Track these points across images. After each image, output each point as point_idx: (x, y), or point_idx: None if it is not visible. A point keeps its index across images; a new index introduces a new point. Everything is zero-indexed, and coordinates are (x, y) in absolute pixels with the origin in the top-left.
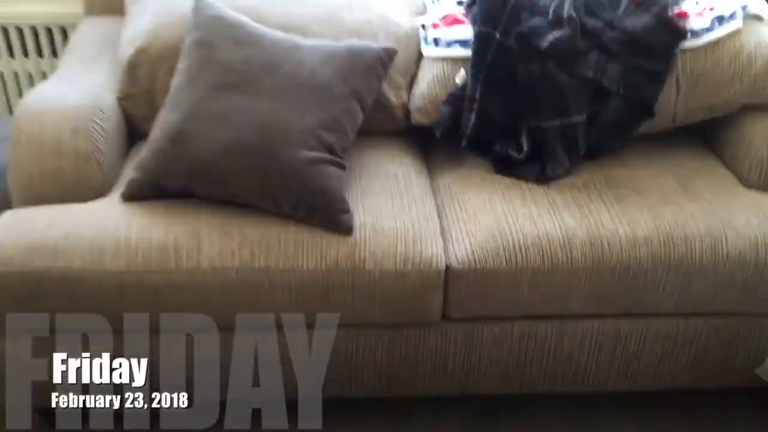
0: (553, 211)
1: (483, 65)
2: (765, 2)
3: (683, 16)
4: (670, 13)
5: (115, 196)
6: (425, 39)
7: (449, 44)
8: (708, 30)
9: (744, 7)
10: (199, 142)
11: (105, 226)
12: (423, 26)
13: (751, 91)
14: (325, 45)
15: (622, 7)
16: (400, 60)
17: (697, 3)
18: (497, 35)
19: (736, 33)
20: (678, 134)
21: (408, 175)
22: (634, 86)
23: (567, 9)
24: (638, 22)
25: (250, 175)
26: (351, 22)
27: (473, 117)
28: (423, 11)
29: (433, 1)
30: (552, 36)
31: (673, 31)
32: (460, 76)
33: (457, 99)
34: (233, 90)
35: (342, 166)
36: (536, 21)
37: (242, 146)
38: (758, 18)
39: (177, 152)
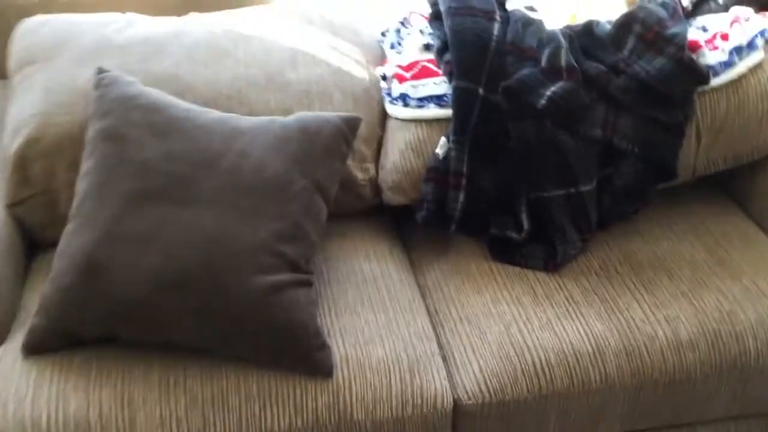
0: (573, 310)
1: (467, 130)
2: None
3: (695, 47)
4: (688, 53)
5: (15, 344)
6: (389, 95)
7: (421, 102)
8: (727, 65)
9: (762, 32)
10: (119, 273)
11: (4, 399)
12: (384, 77)
13: None
14: (271, 124)
15: (629, 47)
16: (362, 124)
17: (705, 30)
18: (481, 90)
19: (759, 66)
20: (694, 185)
21: (388, 274)
22: (651, 143)
23: (565, 56)
24: (651, 66)
25: (192, 315)
26: (298, 82)
27: (462, 195)
28: (382, 59)
29: (393, 46)
30: (550, 91)
31: (694, 74)
32: (442, 145)
33: (440, 174)
34: (158, 199)
35: (309, 284)
36: (527, 70)
37: (178, 276)
38: None
39: (91, 289)
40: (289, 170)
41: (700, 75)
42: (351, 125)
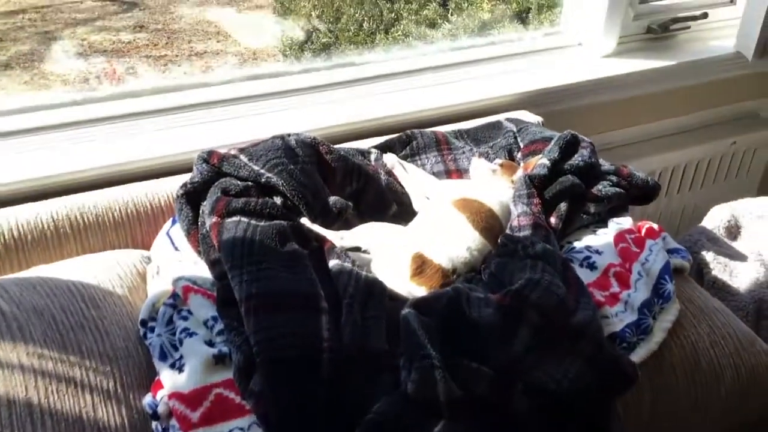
0: None
1: None
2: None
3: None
4: (607, 349)
5: None
6: None
7: None
8: (639, 328)
9: (668, 270)
10: None
11: None
12: (156, 416)
13: (724, 415)
14: None
15: (523, 342)
16: None
17: (593, 267)
18: None
19: (677, 322)
20: None
21: None
22: None
23: (442, 383)
24: (560, 372)
25: None
26: None
27: None
28: (151, 378)
29: (166, 354)
30: None
31: (621, 378)
32: None
33: None
34: None
35: None
36: (385, 403)
37: None
38: (681, 270)
39: None
40: None
41: (628, 378)
42: None
